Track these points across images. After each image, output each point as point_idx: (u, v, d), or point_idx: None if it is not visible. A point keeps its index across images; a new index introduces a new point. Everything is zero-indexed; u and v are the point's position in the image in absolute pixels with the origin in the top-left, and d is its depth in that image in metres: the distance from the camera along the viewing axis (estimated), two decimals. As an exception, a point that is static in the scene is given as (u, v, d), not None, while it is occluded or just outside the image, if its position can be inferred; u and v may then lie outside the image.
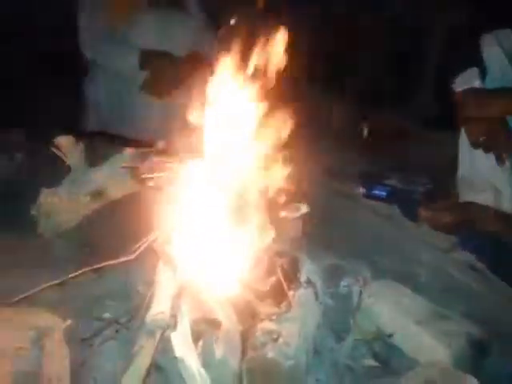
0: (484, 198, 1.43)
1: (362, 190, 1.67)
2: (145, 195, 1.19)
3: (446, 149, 1.63)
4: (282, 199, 0.94)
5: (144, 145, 1.37)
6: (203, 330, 0.85)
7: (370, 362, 0.92)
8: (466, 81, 1.38)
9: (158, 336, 0.78)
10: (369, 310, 1.01)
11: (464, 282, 1.23)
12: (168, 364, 0.82)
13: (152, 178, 1.04)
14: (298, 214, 0.99)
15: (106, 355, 0.92)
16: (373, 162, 1.86)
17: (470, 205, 1.43)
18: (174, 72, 1.96)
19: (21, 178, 1.58)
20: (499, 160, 1.36)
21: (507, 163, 1.37)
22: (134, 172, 1.16)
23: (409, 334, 0.93)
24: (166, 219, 1.04)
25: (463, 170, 1.51)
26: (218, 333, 0.84)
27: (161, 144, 1.19)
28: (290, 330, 0.86)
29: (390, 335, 0.96)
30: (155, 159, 1.08)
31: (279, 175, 0.97)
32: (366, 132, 2.16)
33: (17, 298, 0.96)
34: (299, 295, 0.95)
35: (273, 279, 0.95)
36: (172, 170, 1.05)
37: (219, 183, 0.98)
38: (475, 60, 1.39)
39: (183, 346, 0.78)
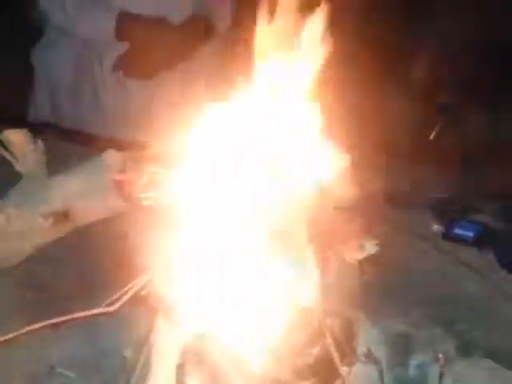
0: None
1: (438, 228, 1.72)
2: (132, 219, 1.25)
3: None
4: (339, 233, 0.99)
5: (127, 146, 1.43)
6: (219, 417, 0.89)
7: None
8: None
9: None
10: (453, 400, 1.05)
11: None
12: None
13: (149, 195, 1.09)
14: (362, 256, 1.03)
15: None
16: (455, 187, 1.91)
17: None
18: (166, 44, 2.04)
19: None
20: None
21: None
22: (119, 186, 1.21)
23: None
24: (165, 255, 1.09)
25: None
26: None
27: (156, 147, 1.25)
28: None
29: None
30: (151, 168, 1.14)
31: (332, 195, 1.02)
32: (433, 135, 2.22)
33: None
34: (356, 373, 0.98)
35: (318, 349, 0.99)
36: (175, 183, 1.10)
37: (241, 203, 1.03)
38: None
39: None
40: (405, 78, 2.26)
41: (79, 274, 1.31)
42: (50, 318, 1.07)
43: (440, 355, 1.12)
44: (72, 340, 1.15)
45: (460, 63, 2.32)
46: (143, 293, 1.07)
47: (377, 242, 1.06)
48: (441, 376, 1.08)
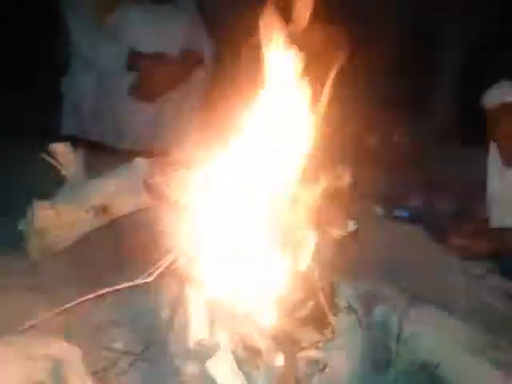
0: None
1: (381, 211, 1.76)
2: (158, 211, 1.23)
3: (471, 166, 1.73)
4: (327, 214, 1.00)
5: (146, 155, 1.41)
6: (243, 359, 0.89)
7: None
8: (500, 95, 1.49)
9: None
10: (411, 339, 1.08)
11: (502, 311, 1.31)
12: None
13: (177, 192, 1.08)
14: (346, 232, 1.05)
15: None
16: (391, 181, 1.95)
17: (506, 232, 1.51)
18: (166, 73, 2.02)
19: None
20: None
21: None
22: (148, 186, 1.19)
23: (459, 363, 1.00)
24: (187, 238, 1.08)
25: (493, 189, 1.61)
26: (258, 362, 0.89)
27: (176, 154, 1.24)
28: (337, 359, 0.91)
29: (437, 365, 1.02)
30: (176, 171, 1.12)
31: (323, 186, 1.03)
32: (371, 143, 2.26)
33: (24, 327, 0.97)
34: (341, 320, 1.00)
35: (313, 304, 1.00)
36: (197, 182, 1.10)
37: (253, 195, 1.03)
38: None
39: (228, 375, 0.82)
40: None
41: (116, 254, 1.29)
42: (96, 290, 1.05)
43: (397, 305, 1.15)
44: (115, 306, 1.13)
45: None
46: (172, 267, 1.06)
47: (355, 221, 1.07)
48: (400, 321, 1.10)
